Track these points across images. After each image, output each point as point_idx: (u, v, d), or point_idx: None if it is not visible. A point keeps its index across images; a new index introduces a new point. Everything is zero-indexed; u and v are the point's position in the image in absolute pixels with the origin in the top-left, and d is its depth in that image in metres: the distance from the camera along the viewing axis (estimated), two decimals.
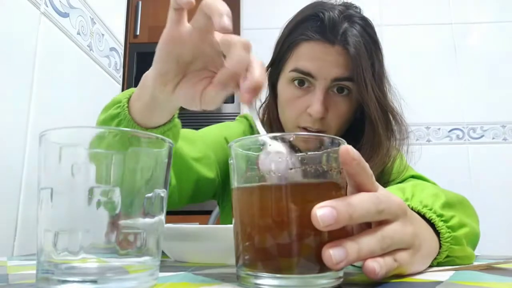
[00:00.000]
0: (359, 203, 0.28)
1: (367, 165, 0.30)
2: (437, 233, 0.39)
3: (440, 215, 0.40)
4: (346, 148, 0.29)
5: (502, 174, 1.61)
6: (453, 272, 0.36)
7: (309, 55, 0.66)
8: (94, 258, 0.26)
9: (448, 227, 0.40)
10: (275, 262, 0.28)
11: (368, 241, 0.28)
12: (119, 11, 1.22)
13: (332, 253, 0.26)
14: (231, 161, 0.32)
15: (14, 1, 0.73)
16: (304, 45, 0.66)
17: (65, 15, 0.88)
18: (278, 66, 0.72)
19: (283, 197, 0.28)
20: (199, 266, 0.43)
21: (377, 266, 0.28)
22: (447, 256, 0.40)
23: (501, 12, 1.76)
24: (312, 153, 0.29)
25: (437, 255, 0.39)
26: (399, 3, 1.81)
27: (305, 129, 0.67)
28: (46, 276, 0.26)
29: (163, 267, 0.42)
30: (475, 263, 0.41)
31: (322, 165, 0.29)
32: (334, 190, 0.30)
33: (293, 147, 0.29)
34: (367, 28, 0.68)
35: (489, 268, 0.39)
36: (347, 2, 0.71)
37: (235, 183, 0.32)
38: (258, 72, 0.37)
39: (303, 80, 0.67)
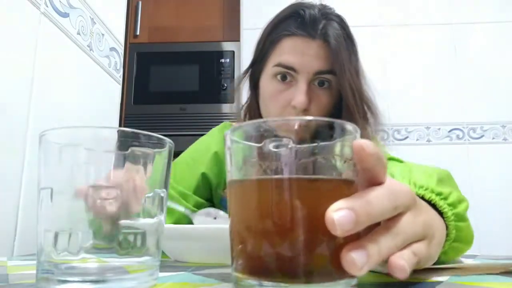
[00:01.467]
0: (376, 202, 0.25)
1: (382, 155, 0.27)
2: (440, 213, 0.38)
3: (439, 194, 0.39)
4: (360, 145, 0.26)
5: (502, 174, 1.60)
6: (454, 272, 0.36)
7: (292, 50, 0.68)
8: (94, 258, 0.26)
9: (449, 205, 0.39)
10: (282, 268, 0.24)
11: (385, 240, 0.26)
12: (119, 11, 1.22)
13: (355, 257, 0.23)
14: (228, 150, 0.28)
15: (14, 1, 0.73)
16: (286, 40, 0.69)
17: (65, 15, 0.88)
18: (261, 63, 0.74)
19: (289, 194, 0.24)
20: (199, 266, 0.43)
21: (405, 263, 0.25)
22: (455, 240, 0.39)
23: (501, 12, 1.76)
24: (324, 143, 0.25)
25: (447, 237, 0.38)
26: (399, 3, 1.81)
27: None
28: (46, 276, 0.26)
29: (163, 267, 0.42)
30: (494, 265, 0.37)
31: (335, 156, 0.25)
32: (348, 185, 0.26)
33: (300, 135, 0.25)
34: (343, 24, 0.71)
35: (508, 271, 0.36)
36: (322, 3, 0.75)
37: (231, 175, 0.27)
38: None
39: (286, 74, 0.69)
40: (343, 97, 0.68)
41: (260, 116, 0.77)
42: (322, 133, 0.25)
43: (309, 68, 0.67)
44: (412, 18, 1.79)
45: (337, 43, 0.66)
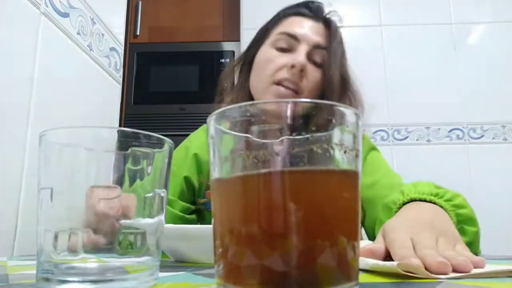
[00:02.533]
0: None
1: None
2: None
3: (436, 195, 0.52)
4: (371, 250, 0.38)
5: (502, 174, 1.60)
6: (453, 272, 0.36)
7: (297, 23, 0.77)
8: (94, 258, 0.26)
9: (445, 200, 0.51)
10: (270, 280, 0.20)
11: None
12: (119, 11, 1.22)
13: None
14: (211, 140, 0.24)
15: (14, 1, 0.73)
16: (292, 17, 0.78)
17: (65, 15, 0.88)
18: (260, 40, 0.80)
19: (280, 190, 0.20)
20: (199, 266, 0.43)
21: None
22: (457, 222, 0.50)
23: (501, 12, 1.76)
24: (321, 134, 0.21)
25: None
26: (399, 3, 1.81)
27: (280, 84, 0.72)
28: (46, 276, 0.26)
29: (163, 267, 0.42)
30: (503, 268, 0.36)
31: (333, 145, 0.21)
32: (351, 178, 0.23)
33: (293, 121, 0.21)
34: (340, 24, 0.81)
35: None
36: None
37: (214, 168, 0.24)
38: None
39: (286, 46, 0.74)
40: (329, 77, 0.74)
41: (249, 98, 0.79)
42: (319, 118, 0.22)
43: (309, 40, 0.74)
44: (412, 18, 1.79)
45: (335, 29, 0.77)
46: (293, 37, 0.74)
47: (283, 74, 0.72)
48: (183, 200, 0.78)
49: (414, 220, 0.45)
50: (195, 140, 0.84)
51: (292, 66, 0.71)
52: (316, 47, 0.74)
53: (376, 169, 0.76)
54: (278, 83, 0.72)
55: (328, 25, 0.77)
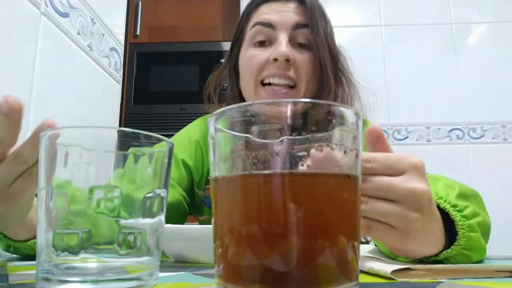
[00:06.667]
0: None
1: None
2: (451, 223, 0.40)
3: (454, 205, 0.40)
4: (370, 129, 0.34)
5: (502, 174, 1.60)
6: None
7: (269, 10, 0.69)
8: (94, 258, 0.26)
9: (463, 216, 0.40)
10: (270, 281, 0.20)
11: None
12: (119, 11, 1.22)
13: None
14: (211, 140, 0.24)
15: (14, 1, 0.73)
16: (262, 6, 0.71)
17: (65, 15, 0.88)
18: (239, 39, 0.74)
19: (281, 191, 0.20)
20: (199, 266, 0.43)
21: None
22: (465, 248, 0.39)
23: (501, 12, 1.76)
24: (321, 134, 0.21)
25: (456, 242, 0.39)
26: (399, 3, 1.81)
27: (269, 84, 0.67)
28: (46, 276, 0.26)
29: (163, 267, 0.42)
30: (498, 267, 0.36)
31: (333, 145, 0.21)
32: (351, 183, 0.23)
33: (293, 121, 0.21)
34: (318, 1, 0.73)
35: None
36: None
37: (214, 168, 0.24)
38: None
39: (264, 41, 0.68)
40: (317, 56, 0.67)
41: (241, 100, 0.75)
42: (319, 118, 0.21)
43: (287, 23, 0.67)
44: (412, 18, 1.79)
45: (311, 2, 0.68)
46: (268, 26, 0.67)
47: (269, 71, 0.66)
48: (181, 187, 0.74)
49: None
50: (197, 126, 0.81)
51: (275, 60, 0.65)
52: (295, 27, 0.67)
53: None
54: (267, 83, 0.67)
55: (303, 2, 0.69)
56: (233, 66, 0.76)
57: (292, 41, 0.68)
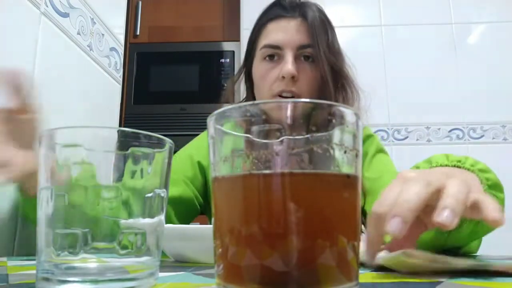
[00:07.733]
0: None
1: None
2: None
3: (459, 161, 0.52)
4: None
5: (502, 174, 1.60)
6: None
7: (276, 30, 0.77)
8: (94, 258, 0.26)
9: (471, 165, 0.51)
10: (270, 281, 0.20)
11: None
12: (119, 11, 1.22)
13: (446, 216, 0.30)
14: (211, 140, 0.24)
15: (14, 1, 0.73)
16: (270, 24, 0.79)
17: (65, 15, 0.88)
18: (251, 53, 0.82)
19: (281, 191, 0.20)
20: (199, 266, 0.43)
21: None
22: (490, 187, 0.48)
23: (501, 12, 1.76)
24: (321, 134, 0.21)
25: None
26: (399, 3, 1.81)
27: (279, 95, 0.75)
28: (46, 276, 0.26)
29: (163, 267, 0.42)
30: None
31: (333, 145, 0.21)
32: (351, 183, 0.22)
33: (293, 121, 0.21)
34: (320, 10, 0.81)
35: None
36: None
37: (214, 168, 0.24)
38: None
39: (273, 54, 0.76)
40: (319, 70, 0.75)
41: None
42: (319, 118, 0.21)
43: (292, 43, 0.75)
44: (412, 18, 1.79)
45: (312, 19, 0.76)
46: (276, 47, 0.76)
47: (279, 87, 0.74)
48: (194, 186, 0.80)
49: (441, 172, 0.42)
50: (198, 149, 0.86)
51: (283, 77, 0.73)
52: (299, 48, 0.75)
53: (384, 166, 0.78)
54: (278, 94, 0.75)
55: (306, 18, 0.76)
56: (247, 73, 0.85)
57: (297, 58, 0.75)
